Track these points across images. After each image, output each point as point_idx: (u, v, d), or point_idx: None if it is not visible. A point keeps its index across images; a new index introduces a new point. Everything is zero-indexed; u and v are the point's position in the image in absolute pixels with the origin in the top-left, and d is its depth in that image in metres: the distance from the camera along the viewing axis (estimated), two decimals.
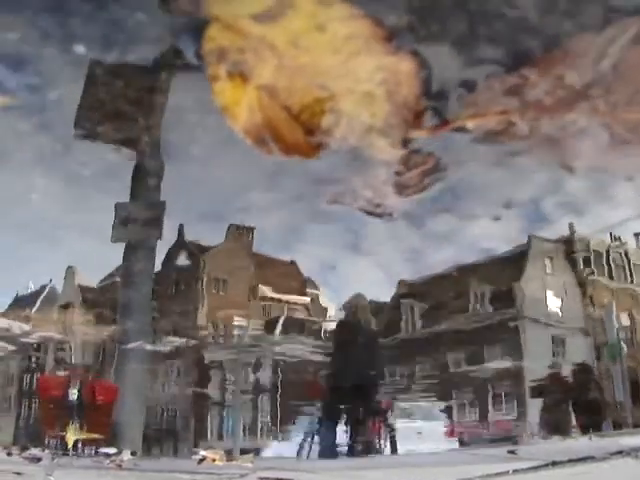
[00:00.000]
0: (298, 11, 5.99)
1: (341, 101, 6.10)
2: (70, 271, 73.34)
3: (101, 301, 58.67)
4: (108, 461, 6.52)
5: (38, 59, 11.70)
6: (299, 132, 6.20)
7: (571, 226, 49.30)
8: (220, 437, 55.70)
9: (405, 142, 6.36)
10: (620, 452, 4.75)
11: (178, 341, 60.05)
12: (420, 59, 6.03)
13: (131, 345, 10.95)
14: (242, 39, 6.17)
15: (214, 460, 5.87)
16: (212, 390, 58.73)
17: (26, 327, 58.34)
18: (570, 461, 4.65)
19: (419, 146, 6.51)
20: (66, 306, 68.65)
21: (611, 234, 50.75)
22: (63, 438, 9.54)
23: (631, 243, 51.75)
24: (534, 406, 38.12)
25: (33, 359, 64.03)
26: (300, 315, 64.65)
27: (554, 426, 12.88)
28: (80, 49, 10.98)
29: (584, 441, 5.26)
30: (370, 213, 6.80)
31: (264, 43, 6.09)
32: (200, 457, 6.12)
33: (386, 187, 6.59)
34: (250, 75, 6.19)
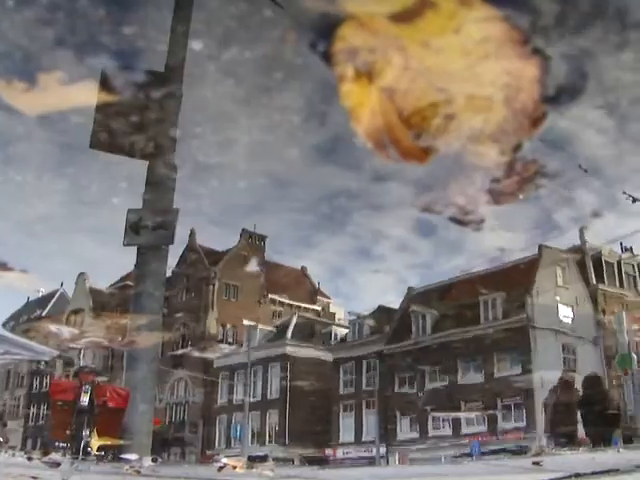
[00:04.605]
0: (438, 11, 5.83)
1: (457, 105, 5.93)
2: (82, 277, 73.66)
3: (112, 305, 58.83)
4: (127, 467, 6.50)
5: (151, 54, 11.55)
6: (409, 136, 6.07)
7: (582, 236, 49.15)
8: (228, 444, 55.60)
9: (515, 149, 6.19)
10: None
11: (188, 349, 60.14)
12: (547, 64, 5.86)
13: (142, 350, 10.94)
14: (375, 38, 6.00)
15: (235, 467, 5.85)
16: (220, 396, 58.74)
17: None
18: (594, 473, 4.63)
19: (526, 153, 6.32)
20: (77, 311, 68.92)
21: (621, 244, 50.63)
22: (80, 442, 9.56)
23: None
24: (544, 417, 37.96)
25: (43, 362, 64.07)
26: (310, 316, 64.78)
27: (563, 437, 12.78)
28: (198, 45, 10.83)
29: (611, 453, 5.21)
30: (459, 222, 6.63)
31: (395, 43, 5.92)
32: (221, 464, 6.11)
33: (480, 194, 6.43)
34: (376, 76, 6.03)
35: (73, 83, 9.40)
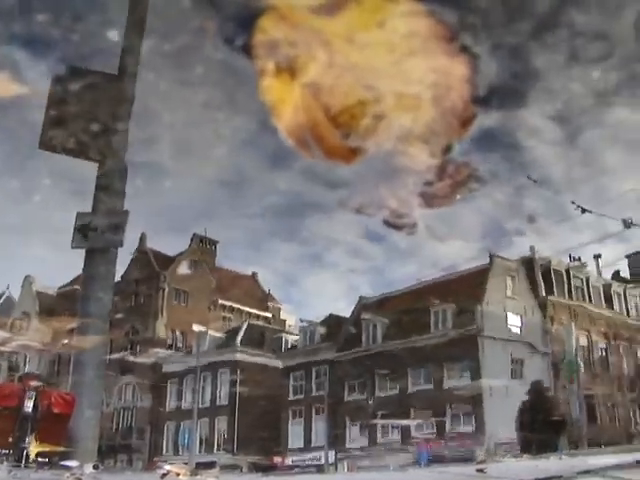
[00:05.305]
0: (361, 4, 5.67)
1: (385, 104, 5.78)
2: (28, 280, 72.30)
3: (60, 309, 57.80)
4: (68, 474, 6.35)
5: (66, 45, 11.28)
6: (336, 135, 5.91)
7: (532, 247, 49.86)
8: (176, 450, 54.99)
9: (445, 151, 6.07)
10: (588, 471, 4.75)
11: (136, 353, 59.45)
12: (476, 63, 5.75)
13: (88, 354, 10.77)
14: (296, 32, 5.79)
15: (178, 474, 5.75)
16: (169, 402, 58.10)
17: (6, 335, 56.88)
18: None
19: (457, 155, 6.21)
20: (23, 315, 67.63)
21: (570, 255, 51.53)
22: (22, 450, 9.33)
23: (590, 265, 52.64)
24: (492, 424, 38.31)
25: None
26: (260, 323, 64.64)
27: (532, 444, 12.90)
28: (114, 35, 10.67)
29: (554, 460, 5.25)
30: (392, 225, 6.54)
31: (318, 37, 5.74)
32: (164, 471, 6.00)
33: (413, 198, 6.33)
34: (299, 71, 5.85)
35: None
